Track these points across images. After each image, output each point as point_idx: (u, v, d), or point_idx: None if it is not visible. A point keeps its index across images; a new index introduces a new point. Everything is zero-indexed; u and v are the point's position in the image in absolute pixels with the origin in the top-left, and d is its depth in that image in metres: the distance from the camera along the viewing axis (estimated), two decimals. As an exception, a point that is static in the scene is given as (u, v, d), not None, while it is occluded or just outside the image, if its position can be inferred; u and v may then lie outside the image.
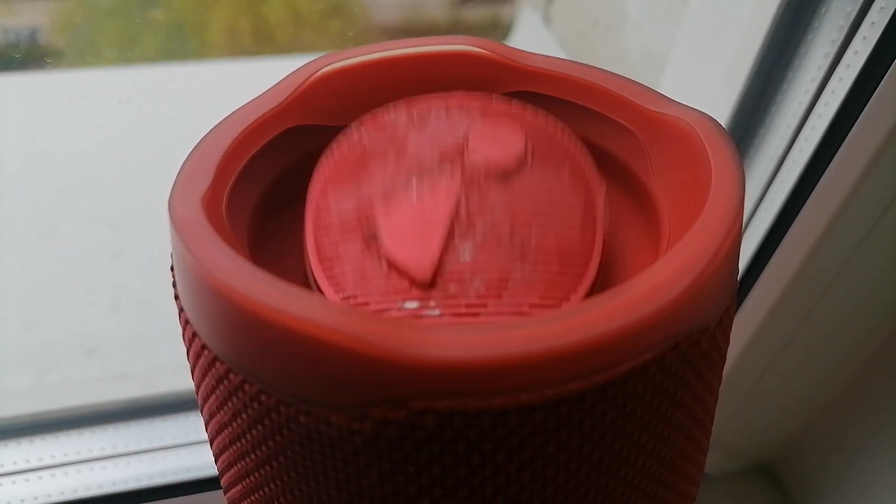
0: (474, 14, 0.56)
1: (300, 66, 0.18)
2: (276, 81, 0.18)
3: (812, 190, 0.26)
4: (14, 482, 0.30)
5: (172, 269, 0.14)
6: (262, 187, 0.16)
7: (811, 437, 0.37)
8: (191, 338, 0.13)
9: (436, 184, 0.15)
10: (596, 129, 0.17)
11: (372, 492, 0.12)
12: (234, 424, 0.13)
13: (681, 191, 0.15)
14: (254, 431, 0.12)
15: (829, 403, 0.36)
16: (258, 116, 0.16)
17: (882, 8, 0.23)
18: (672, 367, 0.12)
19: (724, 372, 0.32)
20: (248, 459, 0.13)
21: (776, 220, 0.29)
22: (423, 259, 0.14)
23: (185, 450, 0.32)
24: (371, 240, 0.15)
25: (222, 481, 0.15)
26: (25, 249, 0.39)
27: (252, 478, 0.13)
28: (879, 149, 0.24)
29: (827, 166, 0.25)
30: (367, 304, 0.13)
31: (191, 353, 0.13)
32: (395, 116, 0.17)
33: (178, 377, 0.32)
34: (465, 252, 0.14)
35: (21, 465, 0.31)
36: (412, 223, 0.15)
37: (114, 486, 0.30)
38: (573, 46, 0.50)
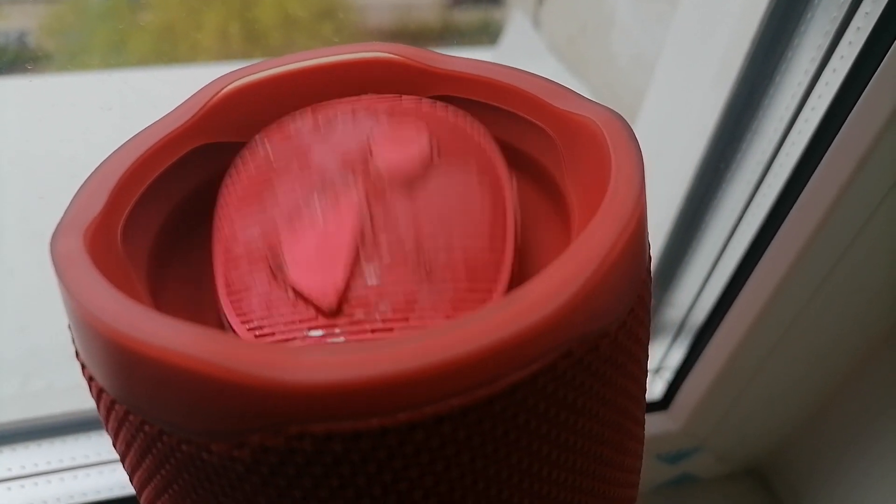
0: (465, 17, 0.56)
1: (208, 82, 0.18)
2: (183, 99, 0.17)
3: (799, 194, 0.26)
4: (-4, 491, 0.30)
5: None
6: (170, 208, 0.16)
7: (801, 440, 0.37)
8: (81, 368, 0.13)
9: (338, 199, 0.15)
10: (513, 130, 0.17)
11: None
12: (130, 454, 0.13)
13: (588, 191, 0.15)
14: (146, 461, 0.12)
15: (820, 407, 0.36)
16: (161, 137, 0.16)
17: (867, 13, 0.23)
18: (566, 375, 0.11)
19: (715, 375, 0.32)
20: (149, 488, 0.13)
21: (763, 225, 0.29)
22: (327, 286, 0.14)
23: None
24: (277, 270, 0.15)
25: None
26: (10, 256, 0.39)
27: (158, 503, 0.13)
28: (867, 151, 0.24)
29: (814, 170, 0.26)
30: (272, 334, 0.13)
31: (86, 382, 0.13)
32: (301, 124, 0.17)
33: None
34: (370, 276, 0.14)
35: (4, 474, 0.30)
36: (317, 249, 0.15)
37: (98, 495, 0.30)
38: (563, 50, 0.50)
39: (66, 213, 0.14)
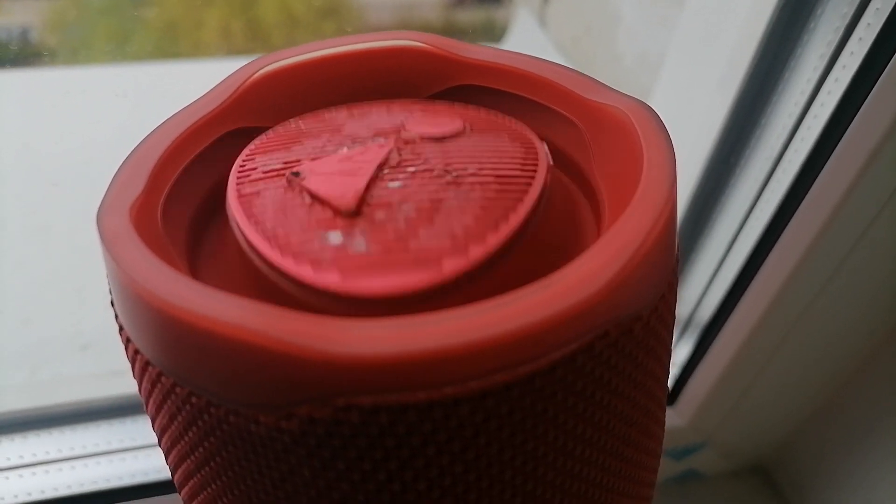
0: (469, 16, 0.56)
1: (239, 67, 0.18)
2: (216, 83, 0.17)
3: (807, 192, 0.27)
4: (7, 478, 0.30)
5: None
6: (204, 190, 0.16)
7: (806, 437, 0.38)
8: (126, 342, 0.13)
9: (367, 147, 0.15)
10: (539, 120, 0.17)
11: (307, 488, 0.12)
12: (173, 426, 0.13)
13: (618, 180, 0.15)
14: (190, 433, 0.12)
15: (825, 403, 0.36)
16: (196, 120, 0.16)
17: (878, 9, 0.23)
18: (603, 355, 0.12)
19: (721, 371, 0.32)
20: (189, 461, 0.13)
21: (770, 223, 0.29)
22: (346, 190, 0.14)
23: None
24: (293, 178, 0.14)
25: (175, 482, 0.15)
26: (19, 246, 0.39)
27: (196, 478, 0.13)
28: (875, 150, 0.24)
29: (822, 169, 0.26)
30: (287, 238, 0.13)
31: (128, 357, 0.13)
32: (336, 112, 0.17)
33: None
34: (394, 183, 0.14)
35: (14, 462, 0.30)
36: (338, 165, 0.14)
37: (107, 483, 0.30)
38: (568, 50, 0.50)
39: (108, 192, 0.14)
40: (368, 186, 0.14)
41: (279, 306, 0.11)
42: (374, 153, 0.15)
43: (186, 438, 0.12)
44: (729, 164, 0.31)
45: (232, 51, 0.48)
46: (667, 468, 0.39)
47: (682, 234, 0.34)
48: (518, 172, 0.14)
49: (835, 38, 0.25)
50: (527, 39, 0.53)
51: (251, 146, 0.16)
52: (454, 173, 0.14)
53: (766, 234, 0.29)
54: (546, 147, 0.15)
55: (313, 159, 0.15)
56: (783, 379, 0.34)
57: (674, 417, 0.37)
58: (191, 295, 0.11)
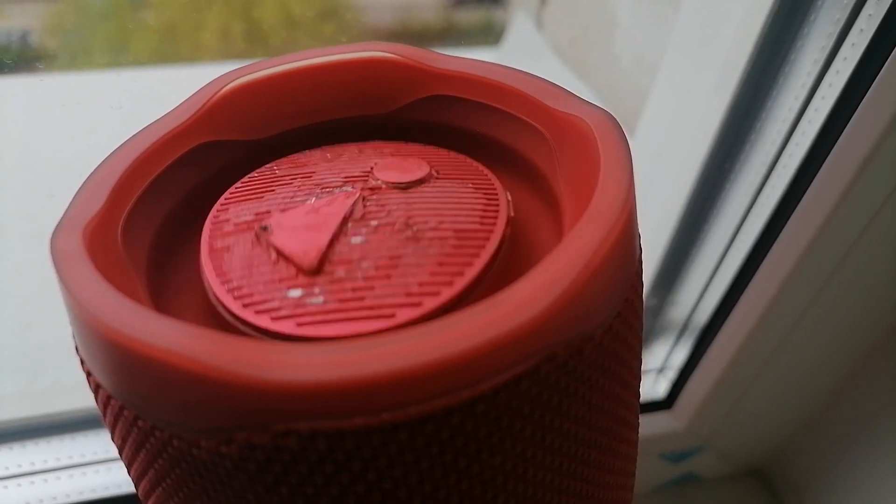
0: (467, 17, 0.56)
1: (208, 81, 0.18)
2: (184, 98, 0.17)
3: (803, 194, 0.27)
4: (6, 487, 0.30)
5: None
6: (170, 206, 0.16)
7: (804, 440, 0.38)
8: (80, 362, 0.13)
9: (335, 196, 0.15)
10: (508, 130, 0.17)
11: None
12: (126, 448, 0.13)
13: (578, 191, 0.15)
14: (141, 455, 0.12)
15: (822, 407, 0.36)
16: (162, 135, 0.16)
17: (870, 15, 0.23)
18: (550, 378, 0.11)
19: (718, 374, 0.32)
20: (145, 481, 0.13)
21: (767, 226, 0.29)
22: (310, 247, 0.14)
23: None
24: (262, 232, 0.15)
25: (140, 498, 0.15)
26: (16, 254, 0.39)
27: (154, 498, 0.13)
28: (870, 154, 0.24)
29: (817, 172, 0.26)
30: (251, 294, 0.13)
31: (84, 375, 0.13)
32: (310, 155, 0.17)
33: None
34: (356, 237, 0.14)
35: (13, 470, 0.30)
36: (305, 219, 0.15)
37: (106, 491, 0.30)
38: (565, 52, 0.50)
39: (66, 211, 0.14)
40: (331, 242, 0.14)
41: (215, 330, 0.11)
42: (340, 205, 0.15)
43: (140, 459, 0.13)
44: (724, 167, 0.31)
45: (231, 54, 0.48)
46: (665, 471, 0.39)
47: (678, 236, 0.34)
48: (477, 226, 0.14)
49: (829, 44, 0.25)
50: (524, 41, 0.52)
51: (227, 194, 0.16)
52: (415, 228, 0.14)
53: (762, 237, 0.29)
54: (509, 196, 0.15)
55: (283, 210, 0.15)
56: (780, 382, 0.34)
57: (671, 421, 0.37)
58: (132, 320, 0.11)
